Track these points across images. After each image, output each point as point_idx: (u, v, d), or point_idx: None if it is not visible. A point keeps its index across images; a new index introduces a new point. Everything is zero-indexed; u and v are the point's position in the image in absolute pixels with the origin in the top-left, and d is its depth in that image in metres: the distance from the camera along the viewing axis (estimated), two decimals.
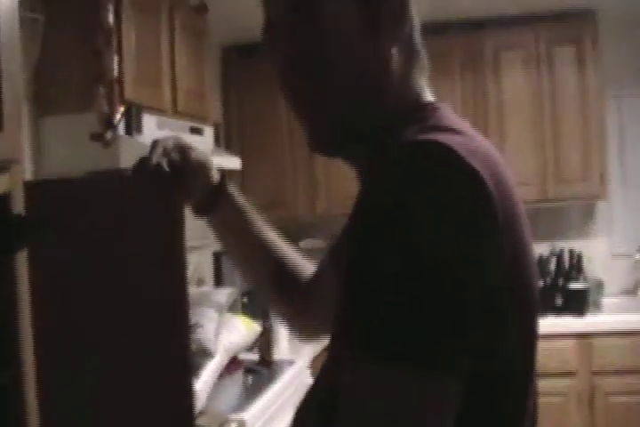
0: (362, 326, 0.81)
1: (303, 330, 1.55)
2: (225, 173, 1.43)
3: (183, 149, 1.37)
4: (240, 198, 1.44)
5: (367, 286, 0.81)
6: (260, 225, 1.45)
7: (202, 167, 1.39)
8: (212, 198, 1.40)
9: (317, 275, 1.44)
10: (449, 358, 0.80)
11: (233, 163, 3.78)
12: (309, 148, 1.10)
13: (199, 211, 1.41)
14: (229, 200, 1.42)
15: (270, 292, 1.50)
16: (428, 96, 1.09)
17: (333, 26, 1.01)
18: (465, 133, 0.95)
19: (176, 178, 1.32)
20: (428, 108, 1.04)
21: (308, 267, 1.48)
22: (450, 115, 1.03)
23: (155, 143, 1.35)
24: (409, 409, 0.78)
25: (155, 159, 1.32)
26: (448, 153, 0.84)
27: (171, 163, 1.32)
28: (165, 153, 1.33)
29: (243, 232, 1.45)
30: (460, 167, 0.84)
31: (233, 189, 1.43)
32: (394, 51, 1.04)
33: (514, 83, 4.62)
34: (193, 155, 1.38)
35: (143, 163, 1.32)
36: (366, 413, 0.79)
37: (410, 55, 1.07)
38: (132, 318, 1.26)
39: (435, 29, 4.51)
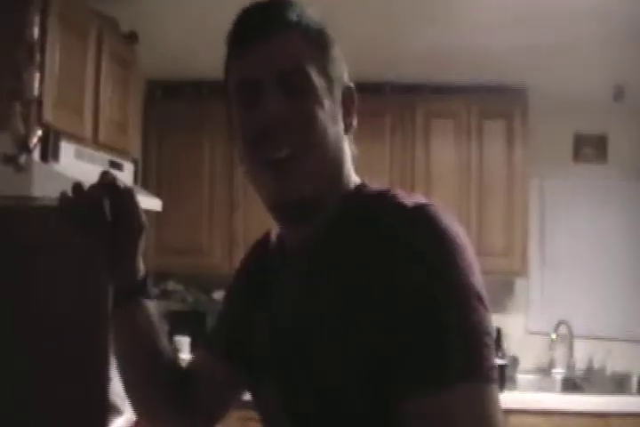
0: (457, 359, 0.96)
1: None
2: (148, 270, 1.30)
3: (134, 199, 1.22)
4: (154, 300, 1.32)
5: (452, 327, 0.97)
6: (160, 333, 1.34)
7: (140, 234, 1.25)
8: (130, 292, 1.28)
9: (199, 365, 1.40)
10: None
11: (153, 203, 3.54)
12: (269, 207, 1.15)
13: (115, 304, 1.28)
14: (145, 301, 1.30)
15: (158, 401, 1.36)
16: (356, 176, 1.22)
17: (321, 97, 1.11)
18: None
19: (109, 228, 1.19)
20: (367, 184, 1.19)
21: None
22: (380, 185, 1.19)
23: (104, 175, 1.20)
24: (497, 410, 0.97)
25: (95, 192, 1.18)
26: (443, 213, 1.04)
27: (114, 206, 1.18)
28: (110, 191, 1.19)
29: (143, 337, 1.32)
30: (455, 225, 1.05)
31: (152, 288, 1.32)
32: (346, 138, 1.17)
33: (443, 151, 4.56)
34: (141, 212, 1.24)
35: (79, 192, 1.17)
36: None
37: (350, 142, 1.19)
38: (46, 360, 1.07)
39: (369, 89, 4.49)
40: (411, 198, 1.07)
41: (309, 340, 1.09)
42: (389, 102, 4.53)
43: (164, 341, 1.35)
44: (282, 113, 1.09)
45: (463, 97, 4.56)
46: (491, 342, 0.99)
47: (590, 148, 4.80)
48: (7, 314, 1.10)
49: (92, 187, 1.19)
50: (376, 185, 1.18)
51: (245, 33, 1.12)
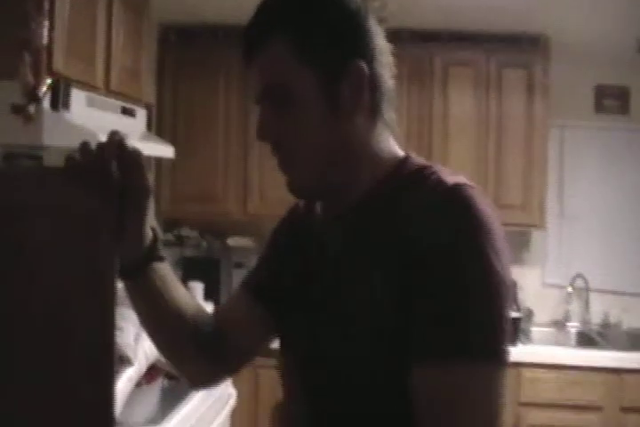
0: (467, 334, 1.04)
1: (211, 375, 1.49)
2: (157, 234, 1.28)
3: (141, 161, 1.19)
4: (167, 266, 1.32)
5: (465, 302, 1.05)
6: (178, 290, 1.35)
7: (147, 197, 1.22)
8: (141, 262, 1.27)
9: (232, 307, 1.46)
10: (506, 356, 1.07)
11: (165, 151, 3.52)
12: (290, 190, 1.23)
13: (122, 274, 1.25)
14: (157, 265, 1.29)
15: (188, 353, 1.40)
16: (398, 149, 1.25)
17: (302, 112, 1.16)
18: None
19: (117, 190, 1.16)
20: (410, 159, 1.22)
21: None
22: (423, 160, 1.23)
23: (112, 135, 1.16)
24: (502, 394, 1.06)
25: (103, 152, 1.14)
26: (480, 196, 1.09)
27: (120, 168, 1.15)
28: (120, 151, 1.15)
29: (162, 301, 1.32)
30: (490, 209, 1.10)
31: (163, 253, 1.30)
32: (357, 120, 1.18)
33: (461, 100, 4.47)
34: (148, 175, 1.21)
35: (87, 152, 1.14)
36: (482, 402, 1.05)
37: (374, 118, 1.20)
38: (50, 333, 1.06)
39: (386, 36, 4.34)
40: (451, 177, 1.12)
41: (339, 293, 1.17)
42: (405, 50, 4.33)
43: (184, 297, 1.36)
44: (268, 128, 1.18)
45: (483, 45, 4.45)
46: (508, 328, 1.06)
47: (612, 99, 4.71)
48: None
49: (100, 147, 1.15)
50: (421, 160, 1.23)
51: (243, 46, 1.20)
